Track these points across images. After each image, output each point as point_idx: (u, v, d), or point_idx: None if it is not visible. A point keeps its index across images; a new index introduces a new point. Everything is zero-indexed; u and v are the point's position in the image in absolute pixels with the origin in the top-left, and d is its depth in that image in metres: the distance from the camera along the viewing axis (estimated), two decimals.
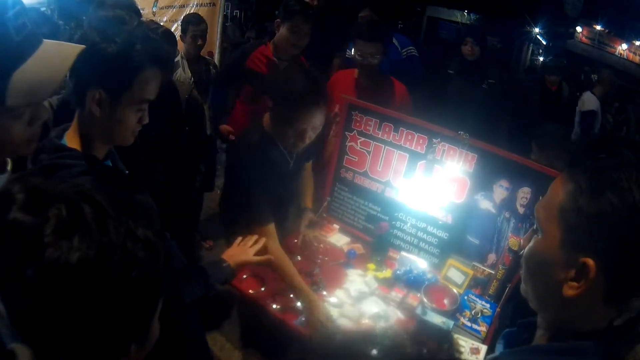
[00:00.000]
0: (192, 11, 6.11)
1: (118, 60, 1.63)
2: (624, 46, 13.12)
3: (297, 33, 3.82)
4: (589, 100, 6.22)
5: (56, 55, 1.40)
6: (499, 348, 1.31)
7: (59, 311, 0.78)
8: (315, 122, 2.55)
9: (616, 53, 13.33)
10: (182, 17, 5.85)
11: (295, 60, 3.96)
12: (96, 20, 1.66)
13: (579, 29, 13.37)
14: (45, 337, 0.80)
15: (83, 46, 1.46)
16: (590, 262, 0.98)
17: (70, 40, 1.64)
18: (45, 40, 1.40)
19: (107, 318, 0.82)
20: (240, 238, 2.45)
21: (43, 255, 0.76)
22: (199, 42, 4.67)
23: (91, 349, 0.83)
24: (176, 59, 4.35)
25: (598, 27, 13.17)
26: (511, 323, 2.61)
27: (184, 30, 4.70)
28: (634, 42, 12.76)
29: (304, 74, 2.55)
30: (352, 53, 3.90)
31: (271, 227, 2.60)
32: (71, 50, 1.44)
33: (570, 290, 1.02)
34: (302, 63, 3.98)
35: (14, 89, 1.29)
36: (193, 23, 4.66)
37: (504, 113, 4.95)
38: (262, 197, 2.62)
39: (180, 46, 4.65)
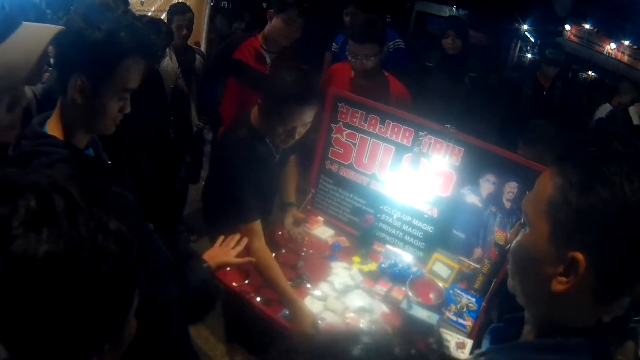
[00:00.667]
0: (180, 1, 6.07)
1: (101, 47, 1.59)
2: (613, 45, 13.16)
3: (290, 25, 3.73)
4: (602, 110, 6.14)
5: (32, 37, 1.36)
6: (485, 344, 1.29)
7: (26, 306, 0.74)
8: (305, 119, 2.53)
9: (604, 52, 13.38)
10: (169, 7, 5.84)
11: (284, 52, 3.91)
12: (81, 7, 1.62)
13: (567, 27, 13.41)
14: (14, 333, 0.76)
15: (61, 27, 1.42)
16: (579, 256, 0.96)
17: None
18: (24, 22, 1.35)
19: (77, 314, 0.78)
20: (222, 237, 2.42)
21: (10, 247, 0.72)
22: (184, 32, 4.64)
23: (62, 347, 0.80)
24: None
25: (587, 26, 13.21)
26: (498, 317, 2.61)
27: (169, 20, 4.67)
28: (622, 41, 12.79)
29: (297, 72, 2.52)
30: (337, 47, 3.83)
31: (257, 225, 2.57)
32: (49, 31, 1.40)
33: (559, 285, 1.00)
34: (294, 54, 3.93)
35: None
36: (178, 13, 4.64)
37: (491, 108, 4.90)
38: (248, 194, 2.58)
39: None
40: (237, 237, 2.42)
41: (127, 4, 3.33)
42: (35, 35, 1.38)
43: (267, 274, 2.49)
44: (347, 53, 3.45)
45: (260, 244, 2.54)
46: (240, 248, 2.36)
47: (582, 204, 0.96)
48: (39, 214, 0.75)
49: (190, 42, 5.02)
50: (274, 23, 3.75)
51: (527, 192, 2.53)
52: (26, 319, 0.75)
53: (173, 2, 5.99)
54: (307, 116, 2.52)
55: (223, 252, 2.33)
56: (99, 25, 1.58)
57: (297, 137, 2.58)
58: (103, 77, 1.65)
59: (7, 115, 1.37)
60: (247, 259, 2.40)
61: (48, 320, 0.76)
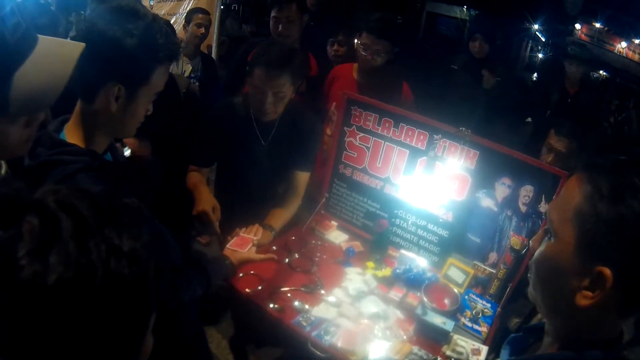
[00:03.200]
0: (190, 4, 6.11)
1: (139, 54, 1.59)
2: (623, 44, 13.10)
3: (276, 21, 3.76)
4: None
5: (56, 56, 1.33)
6: (504, 354, 1.26)
7: (38, 334, 0.71)
8: (277, 87, 2.63)
9: (615, 51, 13.32)
10: (180, 10, 5.88)
11: None
12: (108, 14, 1.60)
13: (578, 26, 13.37)
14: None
15: (83, 44, 1.38)
16: (607, 271, 0.92)
17: (69, 32, 1.59)
18: (40, 37, 1.31)
19: (91, 340, 0.75)
20: (244, 229, 2.53)
21: (17, 275, 0.69)
22: (202, 30, 4.71)
23: None
24: None
25: (597, 25, 13.16)
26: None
27: (187, 20, 4.73)
28: (633, 40, 12.73)
29: (279, 44, 2.71)
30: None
31: (203, 171, 2.96)
32: (73, 50, 1.36)
33: (583, 300, 0.97)
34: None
35: (15, 96, 1.21)
36: (199, 12, 4.78)
37: (516, 112, 4.84)
38: (204, 140, 2.87)
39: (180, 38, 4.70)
40: (255, 227, 2.45)
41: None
42: (60, 55, 1.34)
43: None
44: (357, 45, 3.48)
45: (197, 176, 2.89)
46: (258, 237, 2.50)
47: (611, 216, 0.92)
48: (46, 238, 0.71)
49: (202, 46, 5.06)
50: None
51: (544, 196, 2.50)
52: (38, 347, 0.72)
53: (183, 6, 6.03)
54: (280, 83, 2.62)
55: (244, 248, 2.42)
56: (133, 32, 1.57)
57: (268, 106, 2.68)
58: (140, 84, 1.65)
59: (25, 130, 1.34)
60: (269, 255, 2.43)
61: (61, 348, 0.73)
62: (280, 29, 3.75)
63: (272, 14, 3.78)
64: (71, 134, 1.69)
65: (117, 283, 0.76)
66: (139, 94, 1.66)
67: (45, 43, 1.31)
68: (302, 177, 3.02)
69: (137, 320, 0.84)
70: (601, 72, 13.66)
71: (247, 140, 2.85)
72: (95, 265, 0.73)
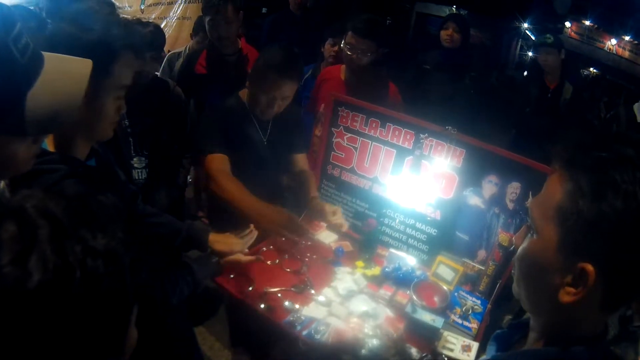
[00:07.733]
0: (180, 8, 6.13)
1: (97, 47, 1.60)
2: (613, 41, 13.12)
3: (214, 25, 3.73)
4: None
5: (65, 74, 1.32)
6: (490, 350, 1.27)
7: (22, 334, 0.73)
8: (285, 92, 2.77)
9: (605, 48, 13.34)
10: (170, 14, 5.90)
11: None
12: (67, 13, 1.62)
13: (568, 24, 13.38)
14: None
15: (90, 61, 1.37)
16: (589, 268, 0.93)
17: (53, 35, 1.59)
18: (44, 54, 1.30)
19: (75, 338, 0.77)
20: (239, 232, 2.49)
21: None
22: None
23: None
24: (179, 50, 4.60)
25: (587, 23, 13.18)
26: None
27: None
28: (623, 37, 12.76)
29: (282, 48, 2.78)
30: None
31: (222, 157, 2.77)
32: (82, 67, 1.35)
33: (567, 296, 0.97)
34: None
35: (30, 117, 1.20)
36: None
37: (492, 109, 4.77)
38: (214, 129, 2.85)
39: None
40: (248, 230, 2.46)
41: (113, 6, 3.33)
42: (68, 73, 1.33)
43: (230, 200, 2.65)
44: (343, 45, 3.52)
45: (224, 176, 2.72)
46: (249, 239, 2.44)
47: (593, 213, 0.93)
48: (24, 244, 0.74)
49: None
50: None
51: (530, 193, 2.51)
52: (23, 346, 0.74)
53: (174, 10, 6.05)
54: (287, 88, 2.77)
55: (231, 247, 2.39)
56: (91, 27, 1.61)
57: (276, 109, 2.83)
58: (101, 77, 1.65)
59: (32, 146, 1.33)
60: (256, 256, 2.45)
61: (45, 346, 0.75)
62: (221, 32, 3.74)
63: (208, 17, 3.74)
64: (52, 143, 1.71)
65: (95, 282, 0.78)
66: (103, 87, 1.68)
67: (52, 61, 1.30)
68: (303, 157, 3.21)
69: (118, 315, 0.86)
70: (591, 69, 13.72)
71: (249, 138, 2.94)
72: (72, 266, 0.75)
